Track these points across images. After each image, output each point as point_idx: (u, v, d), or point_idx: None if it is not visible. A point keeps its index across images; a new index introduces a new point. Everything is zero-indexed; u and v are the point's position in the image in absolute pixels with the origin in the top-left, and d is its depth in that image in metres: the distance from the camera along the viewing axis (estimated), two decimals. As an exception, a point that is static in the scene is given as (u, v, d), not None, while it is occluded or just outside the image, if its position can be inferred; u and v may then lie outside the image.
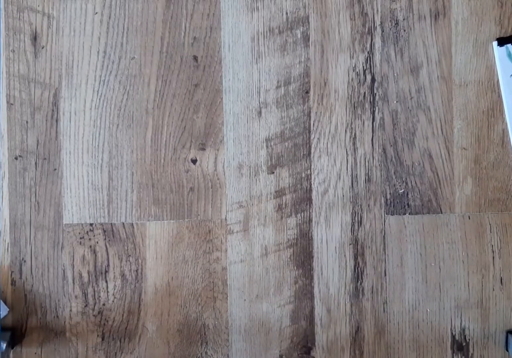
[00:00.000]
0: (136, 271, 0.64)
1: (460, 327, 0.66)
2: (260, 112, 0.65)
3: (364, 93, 0.66)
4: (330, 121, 0.66)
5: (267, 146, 0.66)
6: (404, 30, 0.66)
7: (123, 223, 0.65)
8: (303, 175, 0.66)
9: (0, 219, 0.64)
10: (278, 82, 0.65)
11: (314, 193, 0.66)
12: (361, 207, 0.66)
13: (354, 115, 0.66)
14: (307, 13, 0.66)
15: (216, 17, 0.65)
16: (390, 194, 0.66)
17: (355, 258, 0.66)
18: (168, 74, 0.65)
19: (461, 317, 0.66)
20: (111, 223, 0.65)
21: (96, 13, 0.64)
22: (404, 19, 0.66)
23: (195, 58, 0.65)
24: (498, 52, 0.65)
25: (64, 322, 0.64)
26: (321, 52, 0.66)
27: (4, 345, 0.58)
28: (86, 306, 0.64)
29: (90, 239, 0.64)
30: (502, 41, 0.65)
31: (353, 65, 0.66)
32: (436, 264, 0.66)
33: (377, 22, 0.65)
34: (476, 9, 0.66)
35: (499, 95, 0.66)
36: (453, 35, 0.66)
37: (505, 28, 0.66)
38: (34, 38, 0.64)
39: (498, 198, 0.66)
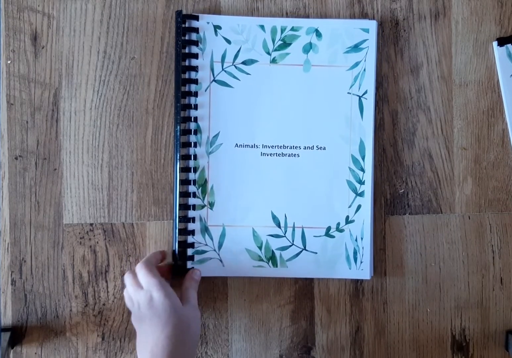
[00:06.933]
0: (136, 271, 0.63)
1: (460, 327, 0.66)
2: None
3: (364, 93, 0.66)
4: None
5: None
6: (404, 30, 0.66)
7: (123, 223, 0.65)
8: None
9: (0, 218, 0.64)
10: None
11: (314, 193, 0.65)
12: (361, 207, 0.66)
13: (354, 115, 0.65)
14: (307, 13, 0.66)
15: (216, 17, 0.65)
16: (390, 193, 0.66)
17: (355, 258, 0.66)
18: (168, 74, 0.65)
19: (461, 317, 0.66)
20: (111, 223, 0.65)
21: (96, 13, 0.64)
22: (404, 19, 0.66)
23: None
24: (498, 52, 0.65)
25: (64, 322, 0.64)
26: (321, 52, 0.65)
27: None
28: (86, 306, 0.64)
29: (90, 239, 0.64)
30: (502, 41, 0.65)
31: (353, 65, 0.66)
32: (436, 264, 0.66)
33: (377, 22, 0.65)
34: (476, 9, 0.66)
35: (499, 95, 0.66)
36: (453, 35, 0.66)
37: (505, 28, 0.66)
38: (34, 38, 0.64)
39: (498, 198, 0.66)
